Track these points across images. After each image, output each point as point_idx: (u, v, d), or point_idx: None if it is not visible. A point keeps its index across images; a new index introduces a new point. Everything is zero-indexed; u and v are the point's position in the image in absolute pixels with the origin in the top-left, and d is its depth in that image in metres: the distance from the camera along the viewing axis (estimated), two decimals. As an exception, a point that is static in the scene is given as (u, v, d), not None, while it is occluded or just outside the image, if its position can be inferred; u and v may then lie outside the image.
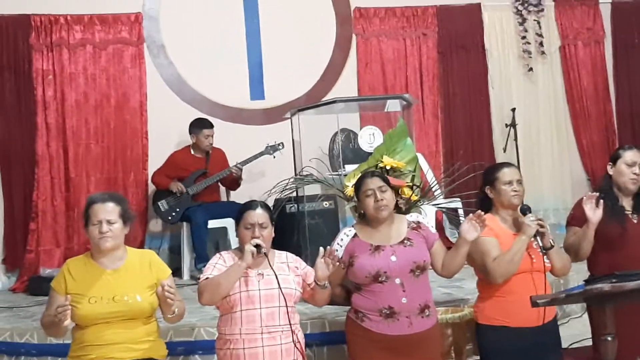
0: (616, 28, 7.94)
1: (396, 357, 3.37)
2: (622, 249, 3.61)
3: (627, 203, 3.77)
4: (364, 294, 3.44)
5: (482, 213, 3.40)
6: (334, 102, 5.02)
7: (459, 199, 5.75)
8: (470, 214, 3.40)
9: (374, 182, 3.49)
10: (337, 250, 3.46)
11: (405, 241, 3.46)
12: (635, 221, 3.72)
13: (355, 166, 4.48)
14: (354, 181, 4.12)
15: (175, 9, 7.04)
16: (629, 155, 3.78)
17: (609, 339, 2.85)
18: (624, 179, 3.75)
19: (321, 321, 4.45)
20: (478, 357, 3.78)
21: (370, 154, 4.55)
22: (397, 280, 3.37)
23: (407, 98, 5.08)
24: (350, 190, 4.13)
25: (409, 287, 3.37)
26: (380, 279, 3.38)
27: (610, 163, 3.83)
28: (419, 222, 3.57)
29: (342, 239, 3.51)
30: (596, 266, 3.71)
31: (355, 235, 3.51)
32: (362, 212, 3.56)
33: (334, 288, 3.55)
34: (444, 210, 5.61)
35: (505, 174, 3.60)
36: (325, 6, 7.34)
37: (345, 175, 4.49)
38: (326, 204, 5.81)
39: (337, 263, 3.40)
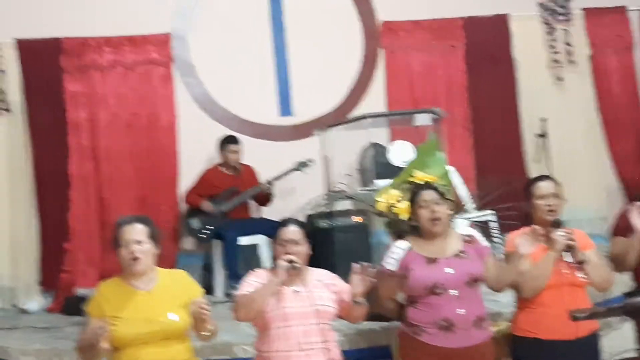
0: (646, 35, 7.85)
1: None
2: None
3: (670, 212, 3.71)
4: (419, 307, 3.43)
5: (538, 228, 3.39)
6: (364, 117, 5.03)
7: (491, 211, 5.71)
8: (526, 228, 3.41)
9: (430, 195, 3.52)
10: (390, 264, 3.46)
11: (460, 254, 3.47)
12: (679, 230, 3.65)
13: (386, 181, 4.47)
14: (386, 196, 4.13)
15: (203, 28, 7.09)
16: None
17: (652, 352, 2.80)
18: None
19: (358, 337, 4.43)
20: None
21: (401, 168, 4.54)
22: (453, 292, 3.37)
23: (437, 112, 5.07)
24: (381, 206, 4.13)
25: (465, 299, 3.38)
26: (436, 290, 3.37)
27: None
28: (472, 236, 3.62)
29: (395, 252, 3.52)
30: (641, 278, 3.66)
31: (410, 248, 3.51)
32: (414, 225, 3.56)
33: (385, 303, 3.55)
34: (477, 223, 5.57)
35: (539, 188, 3.60)
36: (351, 21, 7.35)
37: (376, 190, 4.47)
38: (357, 220, 5.79)
39: (392, 277, 3.40)
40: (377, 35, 7.38)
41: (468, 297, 3.38)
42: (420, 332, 3.40)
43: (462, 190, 6.04)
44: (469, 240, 3.56)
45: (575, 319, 2.89)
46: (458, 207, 5.02)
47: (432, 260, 3.43)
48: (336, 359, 3.46)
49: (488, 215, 5.79)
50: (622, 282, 3.96)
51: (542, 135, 7.32)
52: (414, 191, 3.62)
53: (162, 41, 6.98)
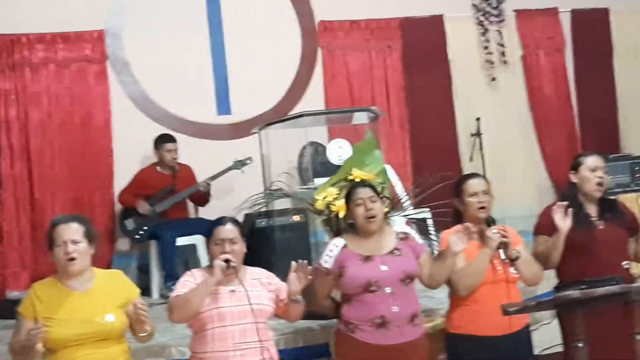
0: (576, 36, 8.05)
1: None
2: (589, 255, 3.64)
3: (592, 210, 3.81)
4: (354, 304, 3.45)
5: (470, 226, 3.43)
6: (301, 115, 5.03)
7: (427, 209, 5.77)
8: (458, 225, 3.44)
9: (365, 192, 3.52)
10: (326, 262, 3.47)
11: (395, 251, 3.49)
12: (601, 227, 3.75)
13: (324, 179, 4.49)
14: (324, 194, 4.15)
15: (139, 25, 6.99)
16: (590, 160, 3.81)
17: (581, 345, 2.88)
18: (590, 186, 3.78)
19: (295, 336, 4.42)
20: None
21: (339, 166, 4.56)
22: (388, 290, 3.39)
23: (374, 110, 5.11)
24: (320, 204, 4.14)
25: (400, 296, 3.40)
26: (371, 288, 3.39)
27: (573, 171, 3.86)
28: (407, 233, 3.63)
29: (331, 250, 3.52)
30: (565, 273, 3.73)
31: (345, 245, 3.51)
32: (351, 222, 3.57)
33: (322, 301, 3.56)
34: (413, 220, 5.63)
35: (471, 185, 3.64)
36: (289, 20, 7.36)
37: (315, 188, 4.49)
38: (296, 218, 5.79)
39: (328, 275, 3.41)
40: (315, 35, 7.40)
41: (402, 294, 3.41)
42: (355, 329, 3.42)
43: (399, 188, 6.11)
44: (404, 237, 3.58)
45: (507, 313, 2.96)
46: (395, 205, 5.07)
47: (367, 258, 3.45)
48: (273, 358, 3.44)
49: (424, 213, 5.86)
50: (550, 277, 4.06)
51: (477, 135, 7.45)
52: (350, 189, 3.63)
53: (96, 38, 6.86)
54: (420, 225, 6.03)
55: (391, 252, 3.49)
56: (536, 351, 4.28)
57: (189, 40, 7.08)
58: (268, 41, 7.19)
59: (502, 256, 3.51)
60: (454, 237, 3.41)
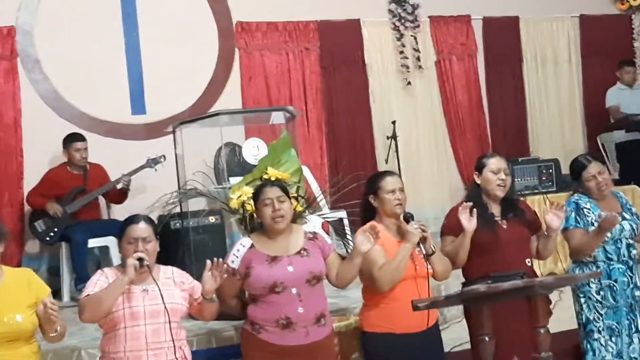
0: (488, 43, 8.30)
1: None
2: (494, 254, 3.73)
3: (495, 209, 3.91)
4: (260, 305, 3.43)
5: (376, 224, 3.46)
6: (217, 114, 5.00)
7: (343, 209, 5.83)
8: (365, 225, 3.46)
9: (273, 192, 3.50)
10: (232, 262, 3.44)
11: (302, 251, 3.48)
12: (504, 227, 3.86)
13: (240, 179, 4.47)
14: (239, 193, 4.12)
15: (51, 22, 6.81)
16: (493, 162, 3.91)
17: (487, 339, 2.96)
18: (492, 187, 3.88)
19: (208, 337, 4.38)
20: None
21: (255, 166, 4.55)
22: (294, 291, 3.38)
23: (290, 110, 5.12)
24: (234, 203, 4.11)
25: (306, 297, 3.40)
26: (276, 289, 3.38)
27: (477, 172, 3.95)
28: (315, 233, 3.61)
29: (238, 250, 3.50)
30: (470, 272, 3.81)
31: (252, 245, 3.50)
32: (260, 221, 3.55)
33: (229, 301, 3.54)
34: (329, 221, 5.67)
35: (388, 182, 3.68)
36: (206, 20, 7.31)
37: (230, 188, 4.46)
38: (212, 219, 5.74)
39: (234, 275, 3.39)
40: (232, 35, 7.38)
41: (309, 295, 3.41)
42: (260, 330, 3.41)
43: (316, 189, 6.15)
44: (312, 237, 3.57)
45: (416, 308, 3.01)
46: (312, 205, 5.09)
47: (273, 259, 3.43)
48: (187, 357, 3.41)
49: (341, 213, 5.91)
50: (459, 276, 4.16)
51: (392, 137, 7.57)
52: (257, 188, 3.61)
53: (6, 35, 6.65)
54: (336, 225, 6.10)
55: (298, 253, 3.48)
56: (447, 348, 4.39)
57: (103, 38, 6.95)
58: (184, 40, 7.13)
59: (423, 251, 3.55)
60: (361, 237, 3.43)
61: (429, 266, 3.58)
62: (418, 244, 3.53)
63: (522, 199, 4.52)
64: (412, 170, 7.85)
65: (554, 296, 4.53)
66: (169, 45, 7.06)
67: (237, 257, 3.47)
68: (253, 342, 3.44)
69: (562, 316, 4.49)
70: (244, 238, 3.58)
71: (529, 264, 3.85)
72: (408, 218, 3.60)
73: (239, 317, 3.65)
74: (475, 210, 3.70)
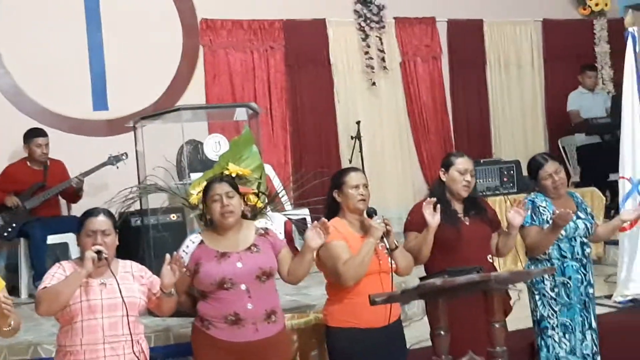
0: (452, 45, 8.38)
1: None
2: (456, 250, 3.77)
3: (458, 207, 3.95)
4: (209, 301, 3.41)
5: (326, 221, 3.45)
6: (178, 110, 4.97)
7: (307, 208, 5.83)
8: (315, 222, 3.46)
9: (222, 188, 3.47)
10: (182, 257, 3.42)
11: (252, 247, 3.45)
12: (467, 224, 3.90)
13: (200, 174, 4.45)
14: (199, 189, 4.09)
15: (12, 17, 6.71)
16: (460, 162, 3.93)
17: (442, 333, 2.97)
18: (457, 187, 3.91)
19: (166, 333, 4.36)
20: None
21: (217, 162, 4.53)
22: (243, 287, 3.36)
23: (252, 106, 5.12)
24: (194, 199, 4.09)
25: (255, 293, 3.37)
26: (225, 285, 3.35)
27: (443, 169, 3.99)
28: (266, 229, 3.58)
29: (187, 246, 3.47)
30: (432, 268, 3.82)
31: (202, 242, 3.48)
32: (210, 218, 3.53)
33: (179, 297, 3.49)
34: (292, 220, 5.67)
35: (352, 178, 3.68)
36: (170, 16, 7.27)
37: (191, 184, 4.44)
38: (173, 217, 5.70)
39: (184, 269, 3.36)
40: (197, 33, 7.34)
41: (258, 291, 3.39)
42: (209, 326, 3.39)
43: (279, 188, 6.13)
44: (263, 233, 3.55)
45: (374, 303, 3.02)
46: (275, 204, 5.09)
47: (222, 255, 3.41)
48: (144, 352, 3.38)
49: (304, 211, 5.91)
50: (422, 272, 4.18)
51: (357, 137, 7.59)
52: (207, 185, 3.59)
53: (-36, 27, 6.56)
54: (299, 223, 6.10)
55: (248, 249, 3.45)
56: (408, 345, 4.42)
57: (65, 33, 6.88)
58: (148, 37, 7.08)
59: (387, 246, 3.57)
60: (311, 233, 3.42)
61: (392, 261, 3.60)
62: (381, 239, 3.54)
63: (478, 196, 4.55)
64: (376, 171, 7.88)
65: (512, 295, 4.59)
66: (132, 41, 7.00)
67: (186, 253, 3.45)
68: (203, 338, 3.43)
69: (520, 315, 4.54)
70: (193, 234, 3.56)
71: (490, 261, 3.90)
72: (371, 213, 3.61)
73: (189, 313, 3.62)
74: (439, 206, 3.72)
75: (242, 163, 4.25)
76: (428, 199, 3.79)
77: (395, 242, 3.60)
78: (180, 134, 5.40)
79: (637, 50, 5.61)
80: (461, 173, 3.90)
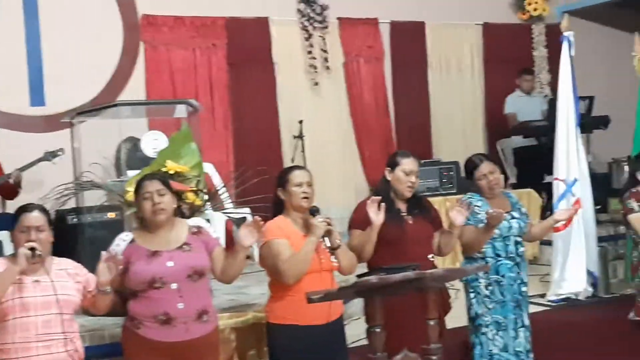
0: (394, 47, 8.45)
1: None
2: (399, 248, 3.79)
3: (402, 206, 3.99)
4: (139, 300, 3.35)
5: (259, 219, 3.44)
6: (115, 105, 4.88)
7: (248, 207, 5.80)
8: (247, 220, 3.44)
9: (153, 185, 3.42)
10: (117, 254, 3.37)
11: (184, 246, 3.41)
12: (410, 222, 3.94)
13: (139, 172, 4.39)
14: (135, 186, 4.03)
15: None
16: (406, 163, 3.95)
17: (378, 330, 2.99)
18: (401, 187, 3.94)
19: (100, 333, 4.29)
20: (267, 361, 3.81)
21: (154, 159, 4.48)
22: (174, 286, 3.31)
23: (192, 103, 5.06)
24: (130, 196, 4.03)
25: (186, 293, 3.33)
26: (155, 284, 3.31)
27: (389, 168, 4.02)
28: (199, 227, 3.54)
29: (118, 244, 3.41)
30: (376, 266, 3.83)
31: (133, 240, 3.43)
32: (141, 216, 3.49)
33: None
34: (233, 219, 5.64)
35: (296, 176, 3.67)
36: (111, 12, 7.16)
37: (127, 180, 4.38)
38: (111, 215, 5.60)
39: (120, 267, 3.32)
40: (138, 29, 7.24)
41: (189, 290, 3.35)
42: (139, 325, 3.34)
43: (220, 187, 6.09)
44: (196, 232, 3.51)
45: (310, 300, 3.03)
46: (214, 202, 5.06)
47: (153, 253, 3.36)
48: (78, 350, 3.32)
49: (245, 210, 5.89)
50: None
51: (299, 137, 7.60)
52: (138, 182, 3.54)
53: None
54: (240, 222, 6.07)
55: (180, 247, 3.41)
56: (348, 343, 4.44)
57: (2, 27, 6.73)
58: (87, 31, 6.97)
59: (328, 244, 3.57)
60: (243, 231, 3.41)
61: (334, 260, 3.61)
62: (323, 237, 3.55)
63: (422, 195, 4.60)
64: (318, 170, 7.76)
65: (451, 294, 4.66)
66: (71, 35, 6.89)
67: (116, 252, 3.40)
68: (133, 338, 3.37)
69: (458, 313, 4.61)
70: (124, 233, 3.51)
71: (432, 259, 3.94)
72: (314, 212, 3.61)
73: (121, 312, 3.56)
74: (383, 204, 3.75)
75: (180, 160, 4.21)
76: (372, 197, 3.81)
77: (338, 241, 3.61)
78: (118, 130, 5.33)
79: (572, 54, 5.75)
80: (406, 174, 3.94)
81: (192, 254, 3.41)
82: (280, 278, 3.53)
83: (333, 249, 3.58)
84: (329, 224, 3.55)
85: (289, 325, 3.55)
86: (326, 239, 3.56)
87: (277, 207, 3.72)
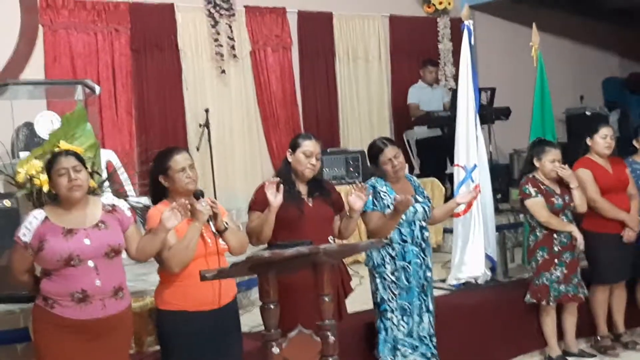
0: (302, 36, 8.45)
1: (88, 342, 3.28)
2: (298, 230, 3.80)
3: (302, 188, 3.99)
4: (54, 279, 3.28)
5: (185, 202, 3.38)
6: (6, 85, 4.69)
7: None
8: (173, 203, 3.38)
9: (69, 161, 3.34)
10: (24, 235, 3.28)
11: (100, 224, 3.36)
12: (310, 204, 3.94)
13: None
14: (27, 167, 3.90)
15: None
16: (307, 144, 3.96)
17: (272, 306, 2.97)
18: (302, 168, 3.95)
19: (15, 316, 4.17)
20: (159, 347, 3.75)
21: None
22: (91, 263, 3.27)
23: (88, 84, 4.92)
24: (21, 177, 3.88)
25: (103, 270, 3.30)
26: (72, 262, 3.25)
27: (290, 150, 4.01)
28: (114, 205, 3.49)
29: (30, 222, 3.30)
30: (275, 247, 3.85)
31: (47, 218, 3.32)
32: (55, 193, 3.39)
33: (21, 276, 3.37)
34: (135, 208, 5.50)
35: (178, 162, 3.58)
36: (8, -8, 6.88)
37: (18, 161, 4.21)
38: (6, 203, 5.37)
39: (26, 249, 3.26)
40: (36, 11, 6.98)
41: (106, 267, 3.32)
42: (54, 304, 3.28)
43: (123, 174, 5.94)
44: (110, 210, 3.47)
45: (204, 278, 2.98)
46: (114, 185, 4.94)
47: (69, 231, 3.30)
48: None
49: (146, 199, 5.76)
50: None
51: (205, 125, 7.48)
52: (51, 158, 3.44)
53: None
54: (144, 211, 5.93)
55: (96, 225, 3.37)
56: (248, 329, 4.41)
57: None
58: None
59: (212, 228, 3.53)
60: (167, 213, 3.36)
61: (222, 242, 3.57)
62: (209, 221, 3.51)
63: (323, 178, 4.62)
64: (224, 160, 7.82)
65: (354, 282, 4.69)
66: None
67: (29, 230, 3.29)
68: (46, 318, 3.29)
69: (363, 298, 4.65)
70: (36, 210, 3.40)
71: (332, 241, 3.95)
72: (198, 195, 3.55)
73: (32, 292, 3.44)
74: (282, 186, 3.73)
75: (75, 141, 4.08)
76: (271, 179, 3.79)
77: (225, 224, 3.58)
78: (12, 111, 5.13)
79: (472, 42, 5.86)
80: (307, 155, 3.94)
81: (108, 231, 3.36)
82: (165, 266, 3.48)
83: (219, 232, 3.55)
84: (213, 207, 3.52)
85: (177, 311, 3.52)
86: (211, 222, 3.52)
87: (158, 192, 3.65)
